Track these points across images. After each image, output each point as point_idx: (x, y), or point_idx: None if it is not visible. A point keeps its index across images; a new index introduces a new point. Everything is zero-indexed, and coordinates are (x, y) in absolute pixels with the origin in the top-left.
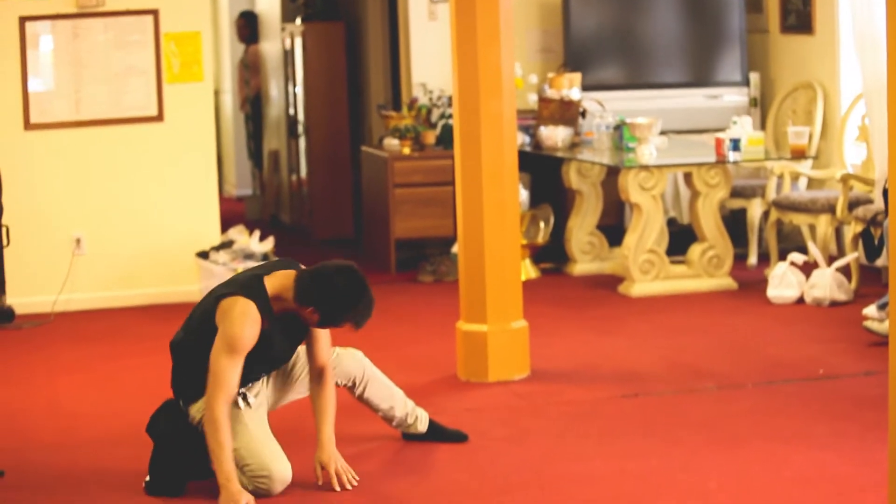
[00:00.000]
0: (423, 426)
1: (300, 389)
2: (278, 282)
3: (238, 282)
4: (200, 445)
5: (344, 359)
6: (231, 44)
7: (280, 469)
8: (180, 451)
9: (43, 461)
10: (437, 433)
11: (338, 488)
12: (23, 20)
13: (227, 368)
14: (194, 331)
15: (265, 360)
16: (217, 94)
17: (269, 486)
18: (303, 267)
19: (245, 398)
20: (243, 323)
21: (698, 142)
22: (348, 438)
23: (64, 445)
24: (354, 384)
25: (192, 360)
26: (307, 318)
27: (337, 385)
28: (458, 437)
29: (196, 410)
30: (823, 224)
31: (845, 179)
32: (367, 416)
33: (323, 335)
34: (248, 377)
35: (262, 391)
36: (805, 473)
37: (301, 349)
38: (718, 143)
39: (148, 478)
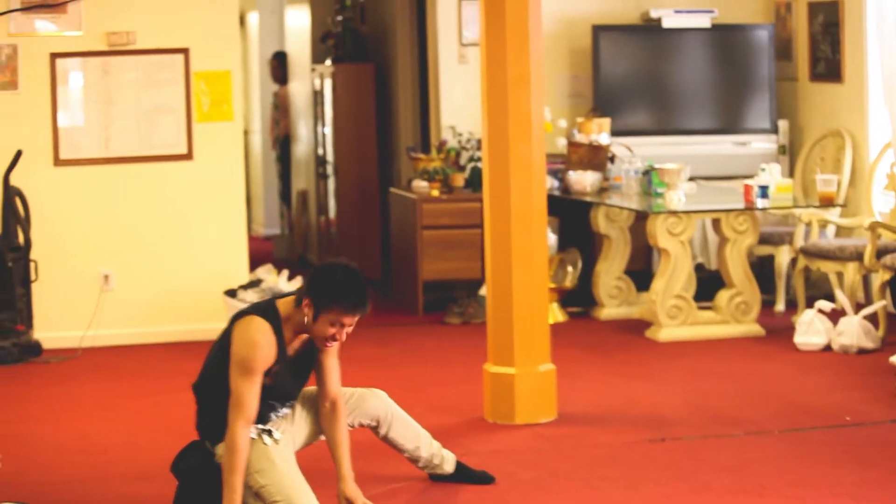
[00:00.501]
0: (449, 467)
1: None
2: (289, 302)
3: (252, 305)
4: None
5: (367, 398)
6: (261, 84)
7: None
8: (204, 489)
9: (69, 495)
10: (464, 474)
11: None
12: (53, 56)
13: (243, 389)
14: (214, 366)
15: (278, 389)
16: (246, 133)
17: None
18: None
19: (271, 434)
20: (256, 342)
21: (727, 188)
22: (373, 478)
23: (90, 480)
24: (379, 424)
25: (214, 397)
26: (309, 327)
27: (361, 425)
28: (485, 479)
29: (222, 449)
30: (851, 272)
31: (873, 227)
32: (393, 456)
33: (332, 367)
34: (264, 410)
35: (287, 429)
36: None
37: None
38: (747, 189)
39: None
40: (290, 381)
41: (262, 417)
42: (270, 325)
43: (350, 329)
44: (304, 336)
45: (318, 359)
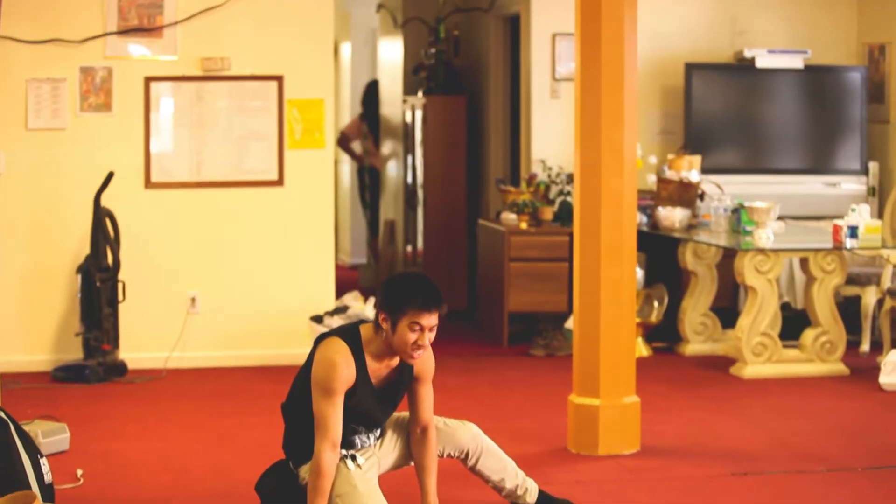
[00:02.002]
0: (532, 498)
1: (411, 454)
2: (372, 327)
3: (336, 328)
4: None
5: (458, 431)
6: (351, 113)
7: None
8: None
9: None
10: (547, 503)
11: None
12: (148, 80)
13: (325, 411)
14: (299, 387)
15: (361, 413)
16: (336, 163)
17: None
18: None
19: (355, 459)
20: (334, 362)
21: (815, 228)
22: None
23: (173, 499)
24: (467, 456)
25: (300, 419)
26: (392, 342)
27: (449, 456)
28: None
29: (305, 472)
30: None
31: None
32: (476, 484)
33: (426, 395)
34: (348, 433)
35: (373, 454)
36: None
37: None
38: (836, 229)
39: None
40: (374, 407)
41: (347, 441)
42: (349, 346)
43: (432, 334)
44: (394, 363)
45: (411, 387)
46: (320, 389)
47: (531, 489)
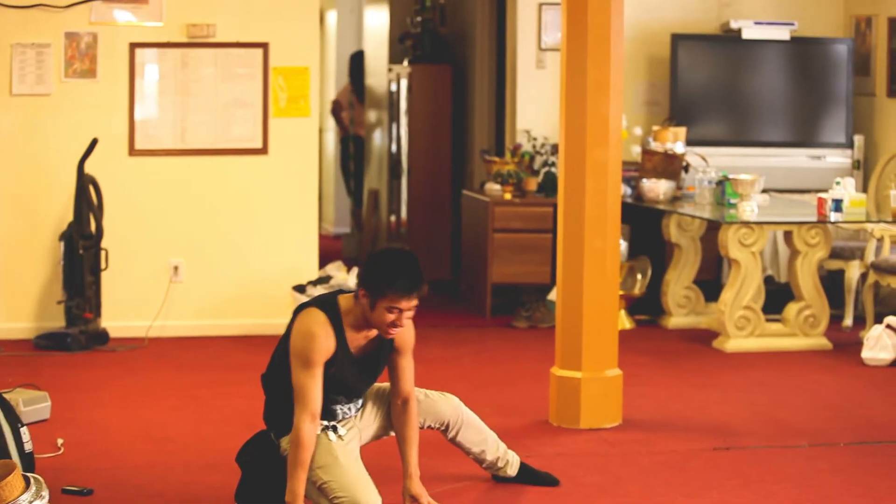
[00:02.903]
0: (513, 471)
1: (391, 425)
2: (351, 297)
3: (313, 298)
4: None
5: (439, 403)
6: (337, 82)
7: (370, 502)
8: (268, 481)
9: (133, 482)
10: (529, 476)
11: None
12: (133, 46)
13: (304, 382)
14: (279, 360)
15: (342, 384)
16: (321, 131)
17: None
18: None
19: (336, 430)
20: (313, 333)
21: (800, 201)
22: (438, 477)
23: (155, 468)
24: (448, 428)
25: (280, 391)
26: (369, 317)
27: (430, 428)
28: (550, 481)
29: (286, 443)
30: None
31: None
32: (458, 456)
33: (406, 366)
34: (328, 403)
35: (354, 425)
36: None
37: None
38: (820, 202)
39: None
40: (354, 377)
41: (327, 412)
42: (328, 316)
43: (410, 314)
44: (372, 334)
45: (391, 359)
46: (299, 360)
47: (512, 462)
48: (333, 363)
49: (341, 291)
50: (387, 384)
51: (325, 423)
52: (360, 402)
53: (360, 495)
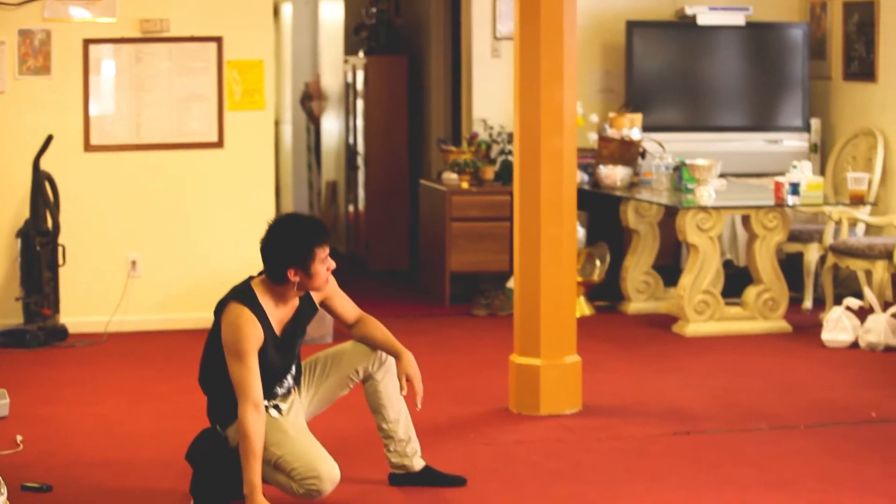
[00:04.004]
0: (417, 464)
1: (331, 394)
2: (264, 280)
3: (229, 291)
4: (239, 467)
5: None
6: (293, 76)
7: (328, 468)
8: (220, 474)
9: (92, 478)
10: (433, 477)
11: (419, 405)
12: (87, 42)
13: (242, 374)
14: (212, 360)
15: (275, 364)
16: (277, 124)
17: (320, 486)
18: None
19: (277, 408)
20: (239, 326)
21: (757, 185)
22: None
23: (113, 463)
24: (377, 366)
25: (219, 387)
26: (308, 284)
27: (357, 374)
28: (456, 482)
29: (233, 431)
30: (880, 270)
31: None
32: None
33: (340, 299)
34: (271, 387)
35: (295, 400)
36: None
37: (321, 355)
38: (778, 186)
39: (192, 502)
40: (285, 351)
41: (270, 394)
42: (249, 306)
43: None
44: (292, 305)
45: (326, 306)
46: (233, 355)
47: (418, 456)
48: (265, 349)
49: (251, 278)
50: (318, 354)
51: (266, 402)
52: (296, 370)
53: (316, 463)
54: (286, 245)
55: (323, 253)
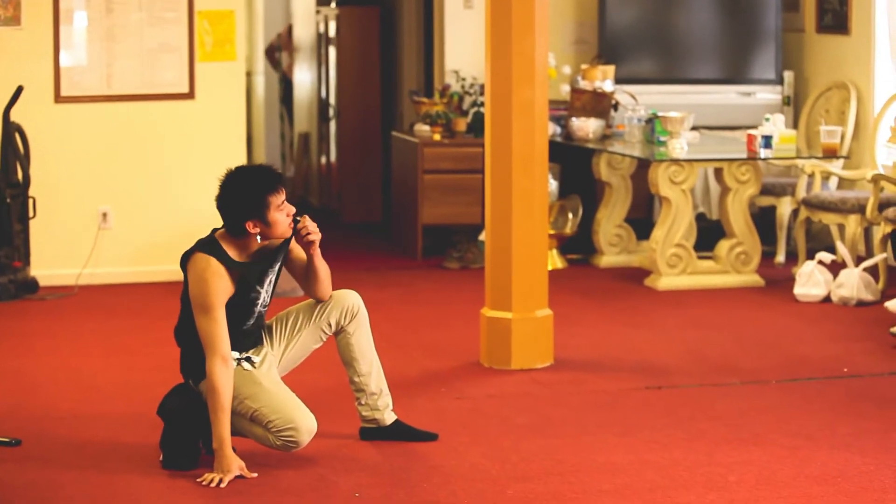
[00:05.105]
0: (389, 418)
1: (304, 347)
2: (225, 231)
3: (195, 243)
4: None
5: (343, 294)
6: (265, 26)
7: (305, 419)
8: (191, 427)
9: (62, 432)
10: (404, 432)
11: (314, 236)
12: None
13: (209, 328)
14: (186, 312)
15: (254, 302)
16: (249, 75)
17: (297, 437)
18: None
19: (250, 360)
20: (206, 279)
21: (730, 138)
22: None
23: (84, 417)
24: (349, 318)
25: (192, 341)
26: (270, 234)
27: (330, 327)
28: (428, 437)
29: (204, 386)
30: (853, 224)
31: (876, 180)
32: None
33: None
34: (244, 336)
35: (268, 353)
36: (826, 471)
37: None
38: (750, 139)
39: (162, 456)
40: (264, 288)
41: (243, 343)
42: (215, 255)
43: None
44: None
45: (292, 265)
46: (199, 307)
47: (390, 410)
48: (241, 293)
49: (216, 229)
50: (290, 308)
51: (237, 355)
52: (269, 297)
53: (292, 413)
54: (239, 198)
55: (277, 200)
